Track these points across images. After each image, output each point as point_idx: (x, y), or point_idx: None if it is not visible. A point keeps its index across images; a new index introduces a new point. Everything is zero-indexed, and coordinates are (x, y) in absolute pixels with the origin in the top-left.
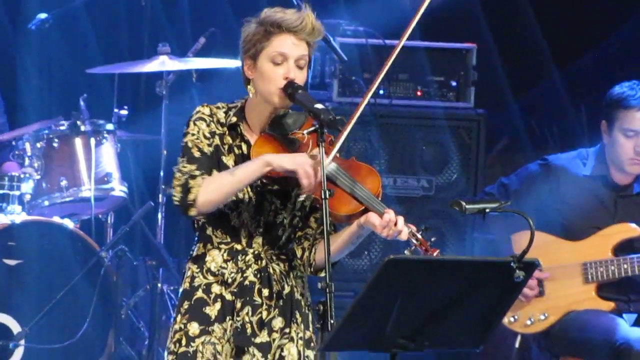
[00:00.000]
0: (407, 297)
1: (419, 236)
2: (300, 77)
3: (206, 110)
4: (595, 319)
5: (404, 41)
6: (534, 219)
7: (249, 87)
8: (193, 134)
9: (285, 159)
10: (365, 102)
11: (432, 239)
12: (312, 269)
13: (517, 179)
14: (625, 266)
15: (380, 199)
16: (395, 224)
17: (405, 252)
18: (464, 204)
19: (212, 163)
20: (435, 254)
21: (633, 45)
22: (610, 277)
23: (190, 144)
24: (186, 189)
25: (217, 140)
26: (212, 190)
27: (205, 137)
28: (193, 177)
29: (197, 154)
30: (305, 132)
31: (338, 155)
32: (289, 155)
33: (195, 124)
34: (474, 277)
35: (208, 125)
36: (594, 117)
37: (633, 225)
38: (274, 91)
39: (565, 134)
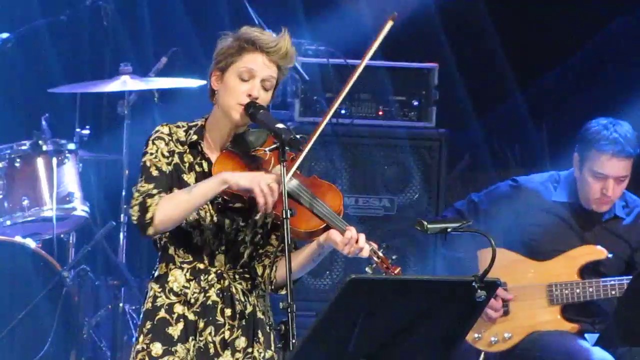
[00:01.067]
0: (369, 316)
1: (380, 254)
2: (264, 98)
3: (165, 130)
4: (559, 340)
5: (365, 62)
6: (501, 238)
7: (213, 99)
8: (151, 153)
9: (242, 177)
10: (327, 121)
11: (394, 257)
12: (272, 287)
13: (487, 197)
14: (591, 290)
15: (341, 216)
16: (357, 241)
17: (367, 269)
18: (426, 223)
19: (171, 182)
20: (396, 271)
21: (595, 66)
22: (575, 299)
23: (148, 163)
24: (143, 208)
25: (176, 159)
26: (169, 208)
27: (164, 155)
28: (150, 195)
29: (155, 172)
30: (267, 149)
31: (299, 172)
32: (246, 173)
33: (154, 143)
34: (436, 296)
35: (167, 144)
36: (556, 137)
37: (600, 247)
38: (234, 105)
39: (527, 153)
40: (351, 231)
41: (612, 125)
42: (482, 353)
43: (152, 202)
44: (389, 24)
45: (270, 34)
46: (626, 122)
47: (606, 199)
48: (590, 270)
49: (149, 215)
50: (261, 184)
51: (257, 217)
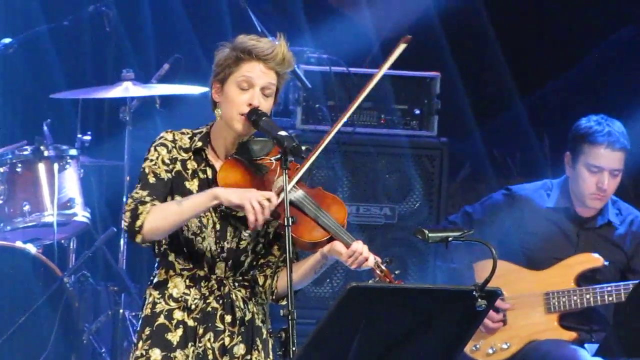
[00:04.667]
0: (369, 324)
1: (383, 267)
2: (265, 105)
3: (169, 136)
4: (557, 349)
5: (369, 88)
6: (496, 248)
7: (216, 110)
8: (152, 160)
9: (233, 193)
10: (334, 132)
11: (396, 272)
12: (273, 297)
13: (480, 208)
14: (588, 296)
15: (345, 229)
16: (361, 254)
17: (369, 282)
18: (426, 232)
19: (167, 189)
20: None
21: (596, 76)
22: (572, 307)
23: (147, 170)
24: (134, 215)
25: (178, 166)
26: (158, 218)
27: (164, 162)
28: (143, 203)
29: (152, 180)
30: (273, 158)
31: (305, 184)
32: (237, 189)
33: (155, 150)
34: (436, 305)
35: (169, 152)
36: (557, 147)
37: (596, 255)
38: (236, 116)
39: (528, 163)
40: (358, 244)
41: (604, 120)
42: None
43: (144, 210)
44: (402, 46)
45: (267, 40)
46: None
47: (601, 194)
48: (586, 278)
49: (138, 223)
50: (252, 201)
51: (247, 234)
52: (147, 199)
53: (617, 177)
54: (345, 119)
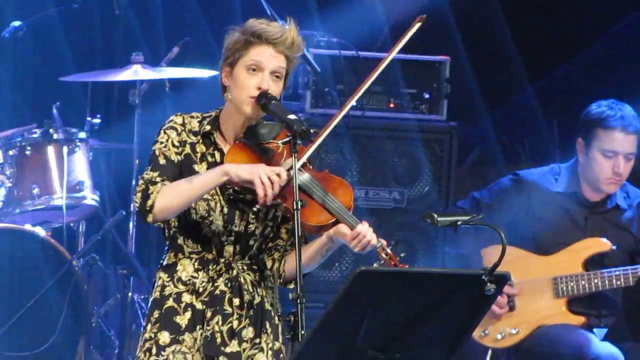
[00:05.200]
0: (378, 308)
1: (389, 251)
2: (274, 89)
3: (179, 120)
4: (566, 334)
5: (380, 69)
6: (505, 233)
7: (225, 94)
8: (162, 142)
9: (242, 169)
10: (341, 115)
11: (402, 255)
12: (282, 280)
13: (488, 193)
14: (596, 281)
15: (352, 212)
16: (365, 236)
17: (375, 265)
18: (436, 216)
19: (177, 171)
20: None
21: (606, 61)
22: (580, 291)
23: (157, 152)
24: (145, 195)
25: (188, 149)
26: (169, 197)
27: (174, 145)
28: (153, 183)
29: (162, 161)
30: (280, 142)
31: (311, 167)
32: (247, 165)
33: (165, 132)
34: (445, 290)
35: (179, 135)
36: (566, 132)
37: (604, 239)
38: (246, 99)
39: (537, 148)
40: (363, 226)
41: (615, 105)
42: (490, 349)
43: (154, 190)
44: (417, 25)
45: (277, 24)
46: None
47: (617, 178)
48: (594, 263)
49: (149, 203)
50: (261, 176)
51: (256, 209)
52: (158, 179)
53: (631, 161)
54: (354, 100)
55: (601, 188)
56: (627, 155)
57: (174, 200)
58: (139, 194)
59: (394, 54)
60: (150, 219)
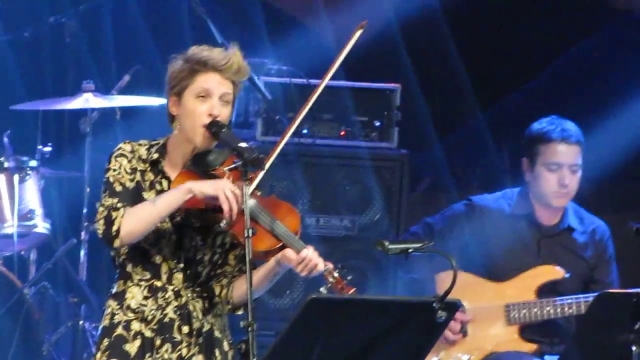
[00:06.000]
0: (330, 336)
1: (336, 274)
2: (224, 114)
3: (127, 147)
4: None
5: (327, 80)
6: (457, 259)
7: (174, 123)
8: (114, 169)
9: (205, 185)
10: (286, 139)
11: (348, 278)
12: (230, 307)
13: (441, 218)
14: (548, 308)
15: (299, 236)
16: (311, 260)
17: (322, 290)
18: (386, 244)
19: (134, 197)
20: (350, 292)
21: (556, 88)
22: (532, 319)
23: (112, 179)
24: (109, 221)
25: (138, 177)
26: (134, 220)
27: (126, 172)
28: (115, 209)
29: (118, 187)
30: (226, 168)
31: (258, 193)
32: (210, 181)
33: (116, 160)
34: (396, 317)
35: (129, 162)
36: (517, 159)
37: (557, 268)
38: (198, 129)
39: (488, 175)
40: (308, 250)
41: (556, 119)
42: None
43: (118, 215)
44: (359, 32)
45: (219, 50)
46: None
47: (564, 191)
48: (547, 290)
49: (114, 228)
50: (225, 191)
51: (223, 224)
52: (119, 205)
53: (576, 174)
54: (303, 114)
55: (551, 204)
56: (571, 166)
57: (140, 223)
58: (101, 221)
59: (338, 63)
60: (117, 243)
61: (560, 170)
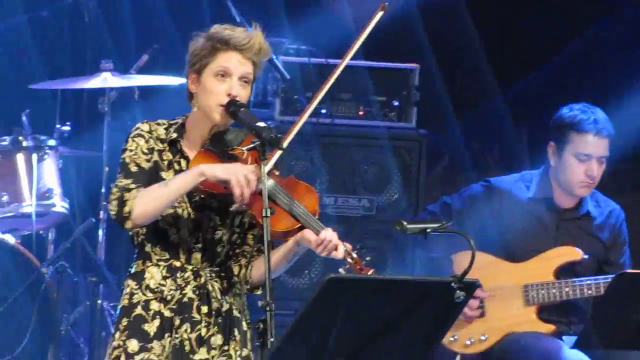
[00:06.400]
0: (348, 316)
1: (354, 255)
2: (243, 94)
3: (145, 127)
4: (535, 342)
5: (347, 60)
6: (475, 239)
7: (193, 101)
8: (131, 150)
9: (218, 168)
10: (304, 119)
11: (367, 258)
12: (249, 287)
13: (459, 198)
14: (567, 289)
15: (317, 217)
16: (330, 241)
17: (340, 270)
18: (405, 223)
19: (150, 178)
20: (369, 273)
21: (574, 68)
22: (551, 299)
23: (127, 160)
24: (121, 202)
25: (155, 157)
26: (146, 202)
27: (143, 152)
28: (128, 190)
29: (134, 168)
30: (244, 148)
31: (277, 173)
32: (223, 164)
33: (133, 140)
34: (414, 297)
35: (147, 142)
36: (535, 139)
37: (576, 248)
38: (215, 107)
39: (506, 155)
40: (327, 231)
41: (588, 109)
42: (458, 355)
43: (130, 196)
44: (380, 14)
45: (242, 30)
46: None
47: (590, 182)
48: (565, 271)
49: (126, 209)
50: (238, 175)
51: (233, 208)
52: (132, 186)
53: (603, 164)
54: (322, 94)
55: (574, 192)
56: (600, 158)
57: (152, 205)
58: (114, 202)
59: (358, 44)
60: (129, 225)
61: (589, 161)
